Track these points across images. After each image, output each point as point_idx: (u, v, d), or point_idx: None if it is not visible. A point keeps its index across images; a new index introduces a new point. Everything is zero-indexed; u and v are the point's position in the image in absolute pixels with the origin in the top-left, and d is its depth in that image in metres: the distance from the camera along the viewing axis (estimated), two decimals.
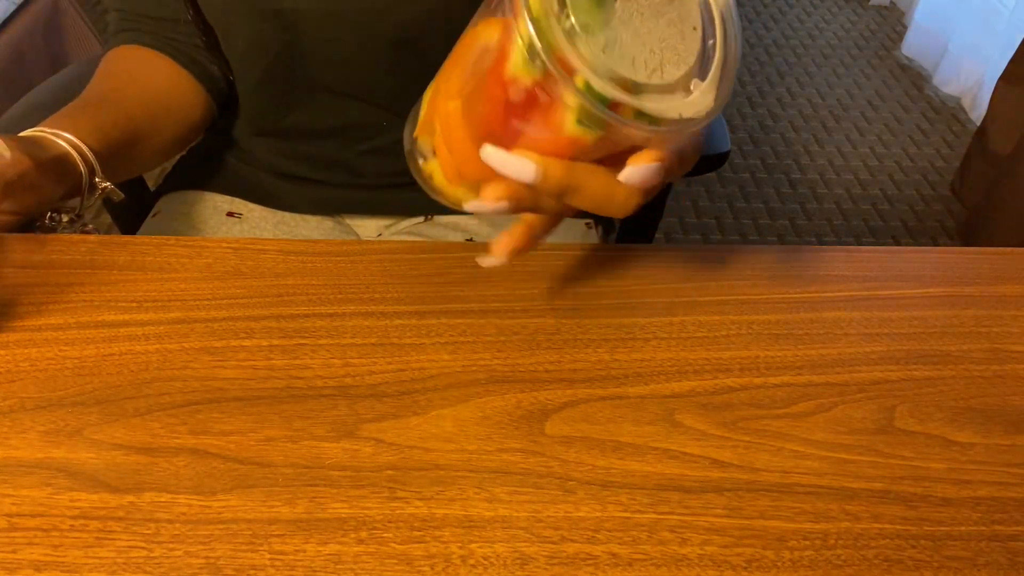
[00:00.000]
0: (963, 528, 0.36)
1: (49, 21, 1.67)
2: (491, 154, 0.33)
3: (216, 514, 0.34)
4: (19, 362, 0.41)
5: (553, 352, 0.43)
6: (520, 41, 0.30)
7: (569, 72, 0.30)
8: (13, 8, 1.55)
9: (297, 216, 0.70)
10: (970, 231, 1.69)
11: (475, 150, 0.35)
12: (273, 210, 0.70)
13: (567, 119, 0.32)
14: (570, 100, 0.31)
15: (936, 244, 1.71)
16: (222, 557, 0.33)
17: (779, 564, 0.34)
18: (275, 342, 0.42)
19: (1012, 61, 1.72)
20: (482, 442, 0.38)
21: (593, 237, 0.74)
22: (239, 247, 0.48)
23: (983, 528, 0.36)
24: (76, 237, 0.48)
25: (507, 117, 0.34)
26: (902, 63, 2.39)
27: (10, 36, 1.54)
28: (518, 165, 0.33)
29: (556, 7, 0.31)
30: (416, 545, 0.34)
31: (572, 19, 0.31)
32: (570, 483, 0.36)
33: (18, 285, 0.45)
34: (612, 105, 0.31)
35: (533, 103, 0.32)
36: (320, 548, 0.33)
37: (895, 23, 2.62)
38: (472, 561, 0.33)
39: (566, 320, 0.45)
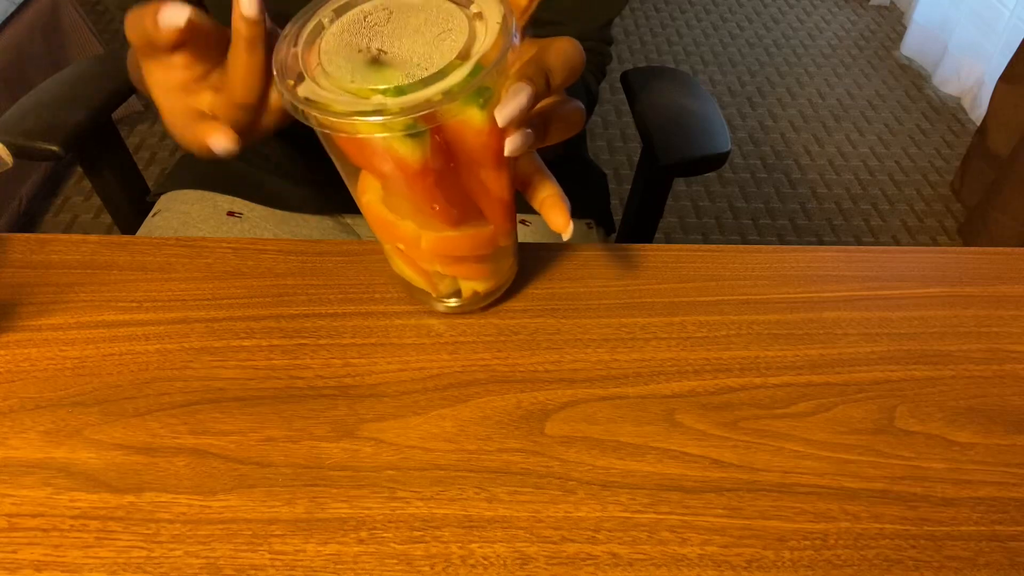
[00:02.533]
0: (963, 528, 0.36)
1: (49, 21, 1.67)
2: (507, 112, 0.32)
3: (216, 514, 0.34)
4: (19, 362, 0.41)
5: (553, 352, 0.43)
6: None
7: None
8: (13, 8, 1.55)
9: (297, 216, 0.70)
10: (970, 231, 1.69)
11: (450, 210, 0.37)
12: (273, 210, 0.70)
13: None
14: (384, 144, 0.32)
15: (936, 244, 1.71)
16: (222, 557, 0.33)
17: (779, 564, 0.34)
18: (275, 342, 0.42)
19: (1012, 61, 1.72)
20: (482, 442, 0.38)
21: (593, 238, 0.74)
22: (239, 247, 0.48)
23: (983, 528, 0.36)
24: (76, 237, 0.48)
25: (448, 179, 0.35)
26: (902, 63, 2.39)
27: (10, 36, 1.54)
28: (513, 97, 0.31)
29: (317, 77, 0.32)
30: (416, 545, 0.34)
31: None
32: (570, 483, 0.36)
33: (18, 285, 0.45)
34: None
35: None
36: (320, 548, 0.33)
37: (895, 23, 2.62)
38: (472, 561, 0.33)
39: (566, 320, 0.45)
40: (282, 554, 0.33)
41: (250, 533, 0.34)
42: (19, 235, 0.48)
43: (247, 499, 0.35)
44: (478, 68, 0.31)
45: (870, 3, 2.75)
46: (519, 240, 0.44)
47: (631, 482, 0.37)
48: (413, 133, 0.32)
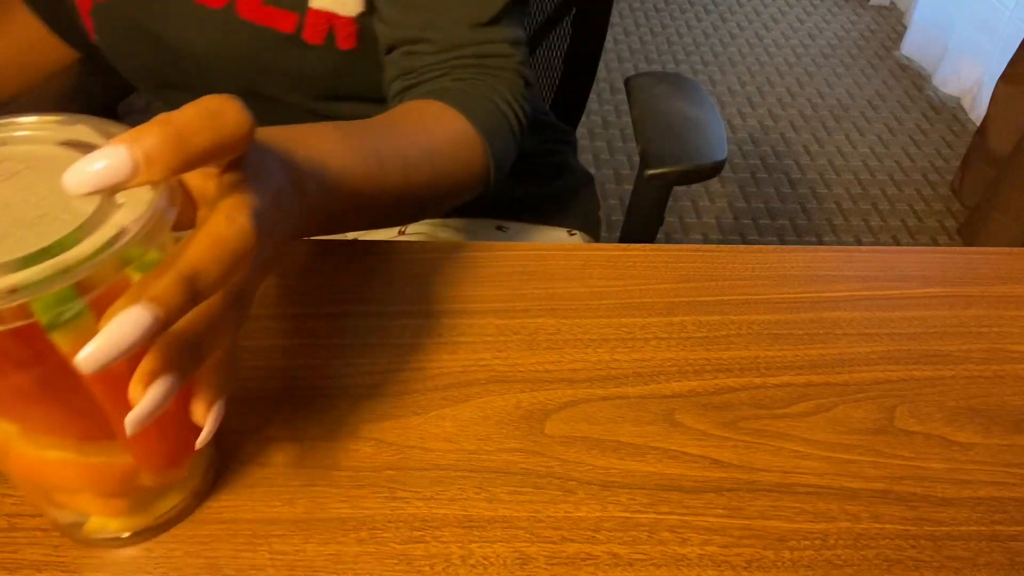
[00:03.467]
0: (963, 528, 0.36)
1: None
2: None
3: (216, 514, 0.34)
4: None
5: (553, 352, 0.43)
6: None
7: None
8: None
9: None
10: (970, 231, 1.69)
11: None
12: None
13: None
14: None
15: (936, 244, 1.71)
16: (222, 557, 0.33)
17: (779, 564, 0.34)
18: (275, 342, 0.42)
19: (1012, 61, 1.72)
20: (482, 442, 0.38)
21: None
22: None
23: (983, 528, 0.36)
24: None
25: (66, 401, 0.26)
26: (902, 63, 2.39)
27: None
28: (105, 335, 0.21)
29: None
30: (416, 545, 0.34)
31: None
32: (570, 483, 0.36)
33: None
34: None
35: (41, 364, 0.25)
36: (320, 548, 0.33)
37: (895, 23, 2.63)
38: (472, 561, 0.33)
39: (566, 320, 0.45)
40: (282, 554, 0.33)
41: (250, 533, 0.34)
42: None
43: (247, 499, 0.35)
44: (62, 270, 0.22)
45: (870, 3, 2.75)
46: (511, 239, 0.43)
47: (631, 482, 0.37)
48: None
